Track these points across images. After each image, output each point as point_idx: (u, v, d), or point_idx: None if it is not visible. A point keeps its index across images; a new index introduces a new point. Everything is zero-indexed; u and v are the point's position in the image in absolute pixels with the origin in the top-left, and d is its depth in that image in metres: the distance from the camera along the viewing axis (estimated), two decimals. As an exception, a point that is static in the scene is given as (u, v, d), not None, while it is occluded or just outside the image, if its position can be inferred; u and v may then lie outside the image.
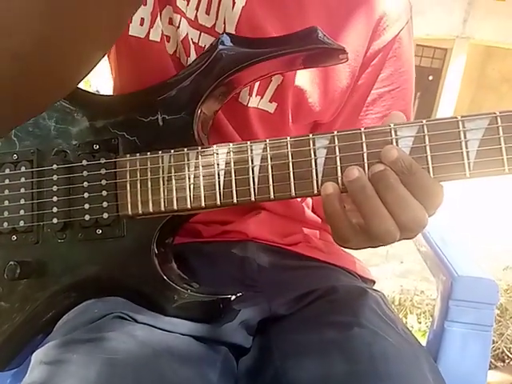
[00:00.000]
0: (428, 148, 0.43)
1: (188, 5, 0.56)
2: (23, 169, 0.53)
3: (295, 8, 0.58)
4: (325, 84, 0.61)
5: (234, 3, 0.55)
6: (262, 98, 0.59)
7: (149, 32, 0.56)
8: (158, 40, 0.56)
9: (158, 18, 0.56)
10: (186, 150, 0.48)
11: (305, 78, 0.59)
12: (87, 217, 0.51)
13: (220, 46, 0.51)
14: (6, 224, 0.53)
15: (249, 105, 0.59)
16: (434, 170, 0.43)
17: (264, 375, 0.50)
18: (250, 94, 0.59)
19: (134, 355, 0.44)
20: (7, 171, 0.54)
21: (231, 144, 0.47)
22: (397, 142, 0.43)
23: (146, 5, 0.55)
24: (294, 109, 0.61)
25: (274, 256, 0.62)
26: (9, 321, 0.53)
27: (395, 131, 0.43)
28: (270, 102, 0.60)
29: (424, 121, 0.43)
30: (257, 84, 0.58)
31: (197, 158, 0.48)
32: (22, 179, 0.53)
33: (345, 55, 0.50)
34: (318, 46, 0.49)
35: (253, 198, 0.46)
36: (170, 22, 0.57)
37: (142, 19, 0.55)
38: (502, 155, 0.41)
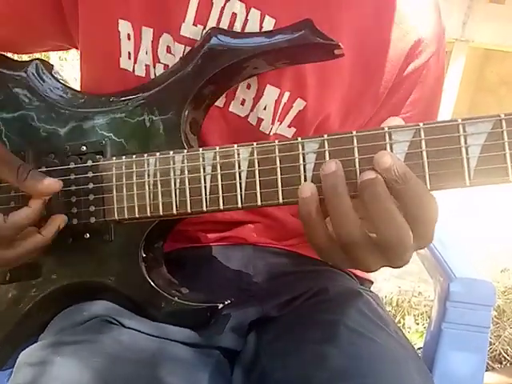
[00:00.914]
0: (425, 154, 0.38)
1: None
2: None
3: (327, 29, 0.52)
4: (347, 109, 0.57)
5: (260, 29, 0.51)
6: (281, 123, 0.56)
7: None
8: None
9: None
10: (171, 153, 0.45)
11: (327, 104, 0.55)
12: (75, 221, 0.49)
13: (209, 42, 0.47)
14: None
15: (270, 133, 0.55)
16: (430, 177, 0.38)
17: (253, 375, 0.49)
18: (273, 123, 0.55)
19: (118, 361, 0.43)
20: None
21: (218, 147, 0.44)
22: (391, 147, 0.39)
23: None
24: (314, 134, 0.57)
25: (271, 258, 0.60)
26: (3, 322, 0.52)
27: (389, 135, 0.39)
28: (289, 127, 0.56)
29: (421, 124, 0.38)
30: (279, 110, 0.54)
31: (183, 162, 0.45)
32: None
33: (340, 50, 0.46)
34: (313, 41, 0.45)
35: (239, 205, 0.43)
36: (168, 50, 0.52)
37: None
38: (506, 162, 0.36)
